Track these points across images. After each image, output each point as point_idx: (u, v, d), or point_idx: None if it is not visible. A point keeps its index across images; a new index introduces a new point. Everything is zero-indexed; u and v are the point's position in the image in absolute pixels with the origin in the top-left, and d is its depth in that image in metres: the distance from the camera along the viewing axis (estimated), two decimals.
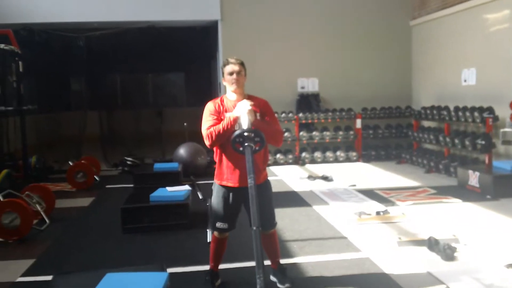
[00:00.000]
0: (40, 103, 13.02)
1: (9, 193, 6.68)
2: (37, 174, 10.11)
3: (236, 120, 3.84)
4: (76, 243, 5.87)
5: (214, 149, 4.05)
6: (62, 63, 16.05)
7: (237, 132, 3.71)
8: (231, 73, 3.99)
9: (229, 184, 4.02)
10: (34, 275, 4.81)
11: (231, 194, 4.03)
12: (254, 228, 3.17)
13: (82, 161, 9.76)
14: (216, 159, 4.10)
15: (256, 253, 3.04)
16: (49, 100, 17.88)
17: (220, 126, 3.86)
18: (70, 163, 9.94)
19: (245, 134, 3.70)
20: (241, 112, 3.82)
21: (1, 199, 6.21)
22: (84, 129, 12.35)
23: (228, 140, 3.84)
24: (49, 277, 3.94)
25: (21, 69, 9.83)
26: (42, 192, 7.05)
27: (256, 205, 3.32)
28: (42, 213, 6.65)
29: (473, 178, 7.82)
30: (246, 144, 3.67)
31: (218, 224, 4.11)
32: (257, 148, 3.73)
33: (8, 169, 8.54)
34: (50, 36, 12.23)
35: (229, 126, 3.83)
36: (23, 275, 4.82)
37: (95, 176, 9.60)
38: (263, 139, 3.74)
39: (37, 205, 6.69)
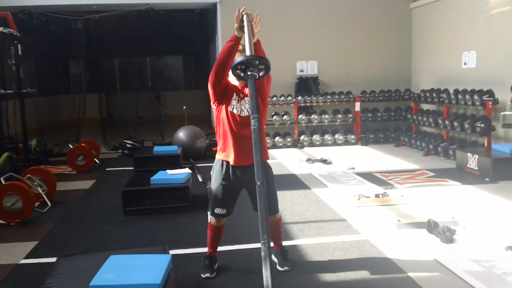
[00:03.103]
0: (39, 86, 13.03)
1: (10, 176, 6.72)
2: (38, 157, 10.14)
3: (235, 38, 3.65)
4: (78, 225, 5.90)
5: (216, 127, 4.01)
6: (61, 46, 16.07)
7: (239, 59, 3.28)
8: None
9: (230, 161, 3.98)
10: (37, 257, 4.85)
11: (231, 173, 4.00)
12: (258, 183, 2.86)
13: (82, 144, 9.77)
14: (218, 138, 4.06)
15: (261, 215, 2.80)
16: (49, 83, 17.97)
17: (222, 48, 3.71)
18: (70, 146, 9.97)
19: (249, 60, 3.24)
20: (240, 28, 3.58)
21: (3, 182, 6.24)
22: (83, 112, 12.34)
23: (228, 119, 3.85)
24: (53, 259, 3.98)
25: (20, 52, 9.80)
26: (43, 175, 7.07)
27: (260, 157, 2.97)
28: (43, 195, 6.69)
29: (472, 161, 7.86)
30: (249, 73, 3.24)
31: (217, 210, 4.10)
32: (260, 74, 3.32)
33: (8, 152, 8.58)
34: (49, 19, 12.17)
35: (229, 44, 3.67)
36: (26, 257, 4.85)
37: (95, 159, 9.62)
38: (268, 67, 3.31)
39: (39, 188, 6.72)
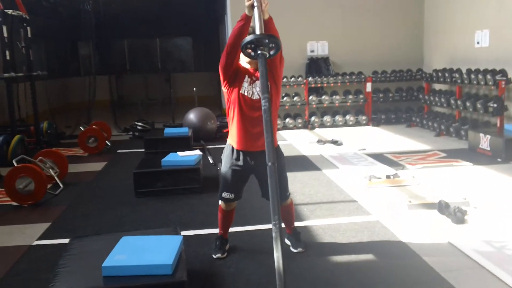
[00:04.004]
0: (49, 68, 13.05)
1: (23, 159, 6.76)
2: (49, 140, 10.20)
3: (246, 17, 3.57)
4: (90, 207, 5.94)
5: (228, 111, 3.97)
6: (70, 28, 16.09)
7: (248, 38, 3.15)
8: None
9: (240, 147, 3.97)
10: (50, 238, 4.89)
11: (240, 158, 3.98)
12: (269, 164, 2.82)
13: (93, 126, 9.81)
14: (229, 122, 4.02)
15: (272, 196, 2.76)
16: (59, 65, 18.00)
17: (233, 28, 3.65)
18: (81, 128, 10.01)
19: (258, 39, 3.12)
20: (251, 5, 3.44)
21: (15, 165, 6.28)
22: (93, 94, 12.37)
23: (239, 101, 3.82)
24: (66, 240, 4.02)
25: (29, 35, 9.82)
26: (55, 157, 7.12)
27: (271, 137, 2.90)
28: (55, 177, 6.73)
29: (484, 141, 7.81)
30: (259, 52, 3.11)
31: (225, 194, 4.10)
32: (271, 52, 3.20)
33: (20, 135, 8.63)
34: (58, 1, 12.16)
35: (240, 22, 3.61)
36: (40, 238, 4.90)
37: (106, 141, 9.66)
38: (278, 45, 3.19)
39: (51, 170, 6.77)
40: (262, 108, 2.97)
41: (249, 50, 3.15)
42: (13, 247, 4.70)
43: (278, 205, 2.76)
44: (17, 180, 5.96)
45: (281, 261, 2.61)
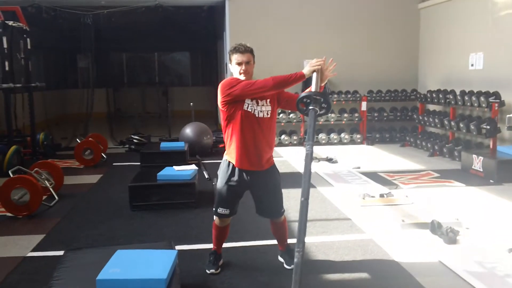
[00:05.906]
0: (47, 80, 13.09)
1: (18, 170, 6.78)
2: (45, 151, 10.22)
3: (303, 77, 3.75)
4: (85, 219, 5.95)
5: (225, 128, 3.98)
6: (69, 41, 16.16)
7: (305, 94, 3.45)
8: (239, 63, 3.90)
9: (237, 165, 3.99)
10: (44, 250, 4.90)
11: (236, 175, 4.01)
12: (302, 199, 3.04)
13: (90, 139, 9.83)
14: (226, 139, 4.04)
15: (299, 226, 2.97)
16: (57, 77, 18.05)
17: (286, 75, 3.78)
18: (78, 140, 10.03)
19: (314, 96, 3.41)
20: (313, 71, 3.67)
21: (11, 175, 6.30)
22: (91, 107, 12.41)
23: (241, 117, 3.85)
24: (60, 253, 4.04)
25: (29, 46, 9.89)
26: (51, 168, 7.13)
27: (308, 176, 3.13)
28: (51, 189, 6.75)
29: (477, 162, 7.88)
30: (311, 107, 3.38)
31: (220, 210, 4.12)
32: (321, 112, 3.47)
33: (16, 146, 8.65)
34: (58, 13, 12.23)
35: (295, 79, 3.75)
36: (34, 250, 4.91)
37: (102, 154, 9.67)
38: (330, 106, 3.49)
39: (46, 182, 6.78)
40: (306, 152, 3.17)
41: (302, 104, 3.45)
42: (7, 258, 4.70)
43: (304, 233, 2.94)
44: (13, 191, 5.97)
45: (297, 285, 2.72)
